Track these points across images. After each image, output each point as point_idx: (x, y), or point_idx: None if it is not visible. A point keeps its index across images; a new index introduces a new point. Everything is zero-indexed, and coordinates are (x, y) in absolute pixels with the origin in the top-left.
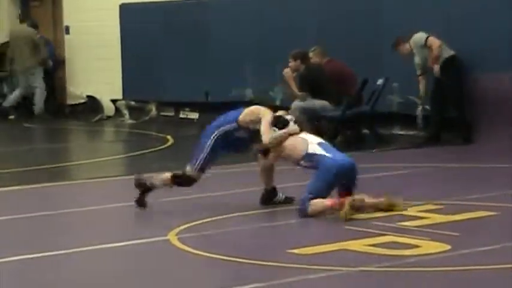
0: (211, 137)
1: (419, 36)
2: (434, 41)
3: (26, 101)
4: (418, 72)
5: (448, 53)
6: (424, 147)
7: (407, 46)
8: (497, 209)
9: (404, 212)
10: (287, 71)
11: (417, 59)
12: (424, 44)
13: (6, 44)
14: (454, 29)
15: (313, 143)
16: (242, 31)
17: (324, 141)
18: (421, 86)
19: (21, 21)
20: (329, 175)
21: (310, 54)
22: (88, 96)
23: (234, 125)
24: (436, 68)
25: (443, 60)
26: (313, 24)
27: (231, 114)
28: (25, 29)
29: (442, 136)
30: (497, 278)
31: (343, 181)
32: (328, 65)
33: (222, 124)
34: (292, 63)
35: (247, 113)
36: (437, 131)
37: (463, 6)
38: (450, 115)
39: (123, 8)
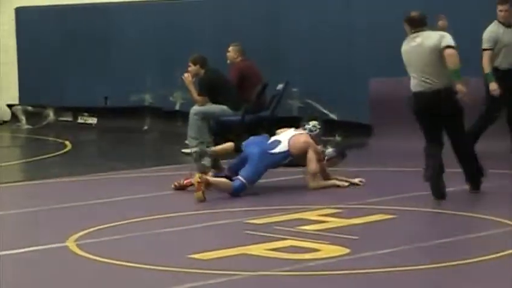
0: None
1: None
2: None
3: None
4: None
5: None
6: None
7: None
8: (395, 212)
9: (304, 216)
10: (187, 76)
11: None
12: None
13: None
14: (355, 35)
15: None
16: (141, 36)
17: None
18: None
19: None
20: None
21: (229, 49)
22: None
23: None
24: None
25: None
26: (212, 29)
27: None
28: None
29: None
30: (395, 280)
31: None
32: (241, 63)
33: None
34: (191, 68)
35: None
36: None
37: (364, 12)
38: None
39: (18, 11)
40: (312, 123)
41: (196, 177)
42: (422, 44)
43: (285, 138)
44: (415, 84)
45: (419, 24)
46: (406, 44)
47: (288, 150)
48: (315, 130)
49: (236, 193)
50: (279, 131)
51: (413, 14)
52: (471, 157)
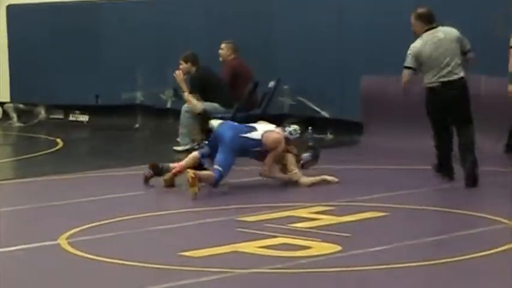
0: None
1: None
2: None
3: None
4: None
5: None
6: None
7: None
8: (387, 210)
9: (295, 214)
10: (178, 73)
11: None
12: None
13: None
14: (347, 33)
15: None
16: (132, 34)
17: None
18: None
19: None
20: None
21: (222, 46)
22: None
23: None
24: None
25: None
26: (204, 27)
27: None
28: None
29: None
30: (388, 277)
31: None
32: (234, 61)
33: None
34: (183, 66)
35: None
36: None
37: (356, 10)
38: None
39: (10, 9)
40: (293, 127)
41: (190, 173)
42: (446, 37)
43: (263, 128)
44: (439, 76)
45: (433, 20)
46: (426, 39)
47: (260, 140)
48: (295, 134)
49: (217, 183)
50: (260, 122)
51: (424, 10)
52: (472, 150)
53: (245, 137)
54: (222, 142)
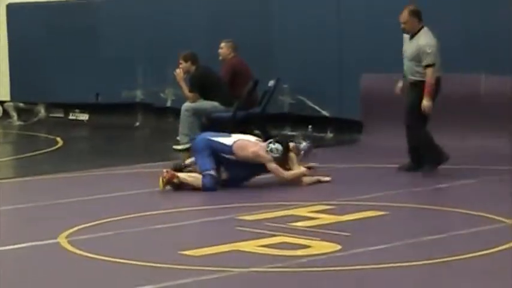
0: None
1: None
2: None
3: None
4: None
5: None
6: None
7: None
8: (387, 209)
9: (295, 213)
10: (178, 72)
11: None
12: None
13: None
14: (347, 32)
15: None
16: (133, 32)
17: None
18: None
19: None
20: None
21: (222, 45)
22: None
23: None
24: None
25: None
26: (204, 25)
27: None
28: None
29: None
30: (387, 276)
31: None
32: (233, 60)
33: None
34: (183, 65)
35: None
36: None
37: (356, 10)
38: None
39: (10, 8)
40: (277, 145)
41: (164, 171)
42: None
43: (237, 136)
44: (438, 69)
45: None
46: (432, 35)
47: (231, 147)
48: (275, 153)
49: (208, 187)
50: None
51: (416, 7)
52: None
53: (215, 140)
54: (195, 150)
